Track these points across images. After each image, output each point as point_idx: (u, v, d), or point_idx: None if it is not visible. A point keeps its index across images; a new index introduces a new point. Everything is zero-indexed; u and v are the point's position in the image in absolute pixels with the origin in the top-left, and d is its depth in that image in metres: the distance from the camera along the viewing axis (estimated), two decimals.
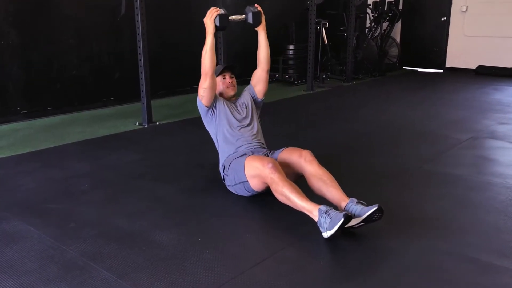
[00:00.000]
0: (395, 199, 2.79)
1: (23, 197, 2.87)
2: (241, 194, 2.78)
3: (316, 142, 4.04)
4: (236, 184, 2.75)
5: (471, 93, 6.58)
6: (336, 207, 2.37)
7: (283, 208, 2.46)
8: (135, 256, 2.14)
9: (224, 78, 3.01)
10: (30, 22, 4.90)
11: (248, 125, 2.96)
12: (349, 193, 2.43)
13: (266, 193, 2.62)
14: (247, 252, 2.21)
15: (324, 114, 5.49)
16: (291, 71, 7.55)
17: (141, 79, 4.69)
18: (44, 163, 3.55)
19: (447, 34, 8.82)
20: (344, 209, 2.34)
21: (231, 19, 2.83)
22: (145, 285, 1.91)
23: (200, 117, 3.01)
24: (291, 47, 7.60)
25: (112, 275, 1.98)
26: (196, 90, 2.90)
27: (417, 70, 9.27)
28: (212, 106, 2.91)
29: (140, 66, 4.64)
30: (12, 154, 3.76)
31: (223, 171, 2.88)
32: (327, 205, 2.30)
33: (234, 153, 2.85)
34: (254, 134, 2.94)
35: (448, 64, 8.94)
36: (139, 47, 4.60)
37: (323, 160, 2.66)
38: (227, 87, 3.00)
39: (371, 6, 8.68)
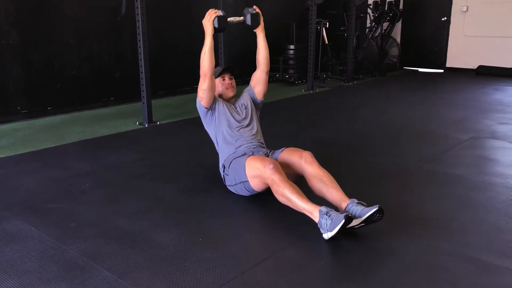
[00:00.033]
0: (395, 199, 2.79)
1: (23, 197, 2.87)
2: (242, 193, 2.78)
3: (316, 142, 4.03)
4: (236, 184, 2.75)
5: (472, 93, 6.57)
6: (336, 208, 2.37)
7: (284, 208, 2.46)
8: (136, 256, 2.14)
9: (223, 80, 3.01)
10: (31, 22, 4.90)
11: (248, 125, 2.95)
12: (349, 193, 2.43)
13: (266, 193, 2.61)
14: (247, 252, 2.21)
15: (324, 114, 5.49)
16: (291, 71, 7.55)
17: (142, 79, 4.69)
18: (44, 163, 3.55)
19: (448, 34, 8.81)
20: (345, 210, 2.33)
21: (229, 21, 2.83)
22: (146, 285, 1.91)
23: (200, 117, 3.01)
24: (292, 47, 7.60)
25: (112, 275, 1.98)
26: (196, 90, 2.90)
27: (417, 70, 9.26)
28: (211, 107, 2.91)
29: (141, 66, 4.65)
30: (13, 154, 3.76)
31: (223, 171, 2.88)
32: (328, 206, 2.30)
33: (234, 153, 2.85)
34: (254, 134, 2.94)
35: (448, 64, 8.93)
36: (140, 47, 4.60)
37: (323, 160, 2.66)
38: (226, 88, 3.00)
39: (371, 6, 8.67)
